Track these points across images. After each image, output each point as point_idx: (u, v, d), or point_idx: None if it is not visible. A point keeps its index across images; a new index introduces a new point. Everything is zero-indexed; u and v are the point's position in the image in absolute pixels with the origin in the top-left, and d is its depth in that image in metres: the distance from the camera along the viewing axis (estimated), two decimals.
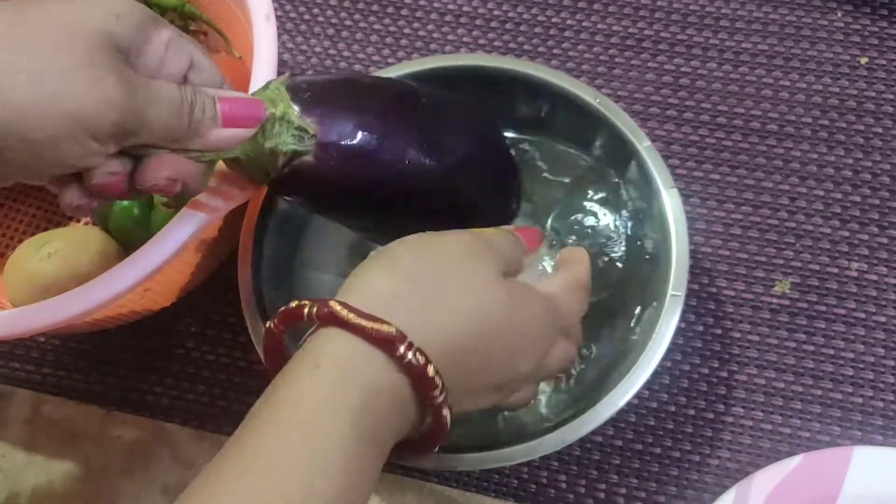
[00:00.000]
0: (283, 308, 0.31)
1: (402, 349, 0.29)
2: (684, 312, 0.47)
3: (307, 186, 0.36)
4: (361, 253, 0.49)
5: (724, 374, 0.46)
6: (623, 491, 0.45)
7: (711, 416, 0.46)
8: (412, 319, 0.30)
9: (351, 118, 0.35)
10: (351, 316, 0.29)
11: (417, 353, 0.29)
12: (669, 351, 0.46)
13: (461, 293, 0.31)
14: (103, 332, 0.50)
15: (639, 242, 0.46)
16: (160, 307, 0.48)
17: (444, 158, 0.37)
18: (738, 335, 0.47)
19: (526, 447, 0.39)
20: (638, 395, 0.46)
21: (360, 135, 0.35)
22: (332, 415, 0.28)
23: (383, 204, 0.37)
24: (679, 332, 0.47)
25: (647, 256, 0.44)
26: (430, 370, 0.29)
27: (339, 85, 0.37)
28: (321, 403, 0.28)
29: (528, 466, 0.45)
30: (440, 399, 0.30)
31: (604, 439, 0.46)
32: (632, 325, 0.43)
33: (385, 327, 0.29)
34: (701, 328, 0.48)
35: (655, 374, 0.46)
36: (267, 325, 0.32)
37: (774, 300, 0.48)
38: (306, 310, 0.30)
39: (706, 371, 0.47)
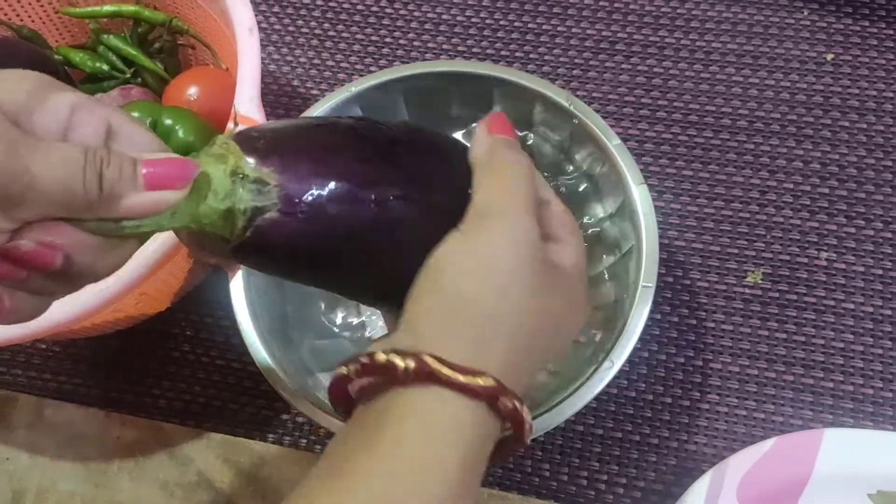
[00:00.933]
0: (365, 360, 0.29)
1: (503, 400, 0.29)
2: (659, 304, 0.50)
3: (275, 248, 0.30)
4: None
5: (699, 363, 0.48)
6: (604, 478, 0.46)
7: (687, 403, 0.47)
8: (501, 361, 0.30)
9: (317, 161, 0.30)
10: (450, 373, 0.28)
11: (515, 400, 0.29)
12: (645, 341, 0.48)
13: (527, 312, 0.31)
14: (102, 338, 0.52)
15: (609, 241, 0.48)
16: (156, 311, 0.50)
17: (427, 195, 0.32)
18: (712, 325, 0.49)
19: None
20: (616, 385, 0.48)
21: (330, 179, 0.30)
22: (440, 473, 0.28)
23: (363, 256, 0.32)
24: (654, 322, 0.49)
25: (619, 254, 0.46)
26: (525, 411, 0.30)
27: (297, 127, 0.32)
28: (428, 464, 0.28)
29: (514, 456, 0.47)
30: (527, 420, 0.31)
31: (584, 428, 0.48)
32: (607, 316, 0.45)
33: (483, 381, 0.29)
34: (676, 319, 0.49)
35: (632, 363, 0.49)
36: (341, 372, 0.30)
37: (747, 290, 0.50)
38: (401, 365, 0.28)
39: (682, 360, 0.48)
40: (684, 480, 0.45)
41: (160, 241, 0.42)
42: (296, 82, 0.59)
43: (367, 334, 0.49)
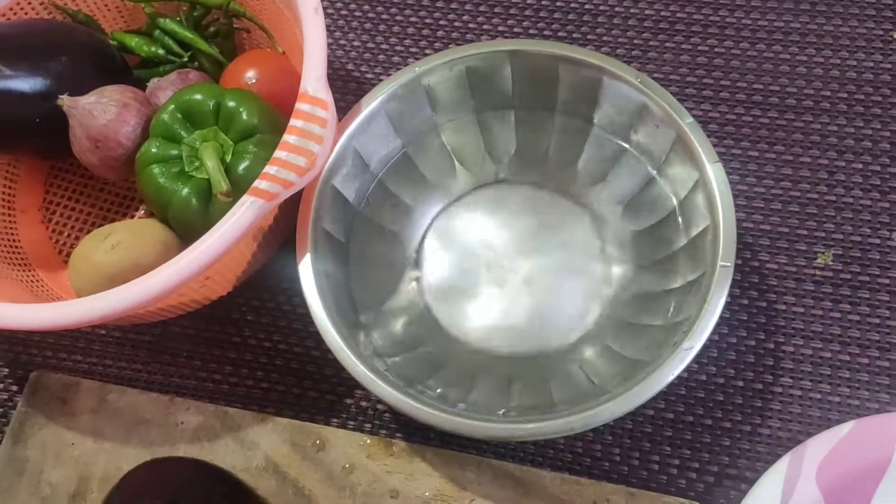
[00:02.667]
0: None
1: None
2: (729, 287, 0.49)
3: None
4: (408, 243, 0.51)
5: (771, 346, 0.47)
6: (676, 462, 0.46)
7: (760, 386, 0.47)
8: None
9: None
10: None
11: None
12: (717, 325, 0.48)
13: None
14: (162, 324, 0.52)
15: (681, 221, 0.47)
16: (218, 296, 0.50)
17: None
18: (782, 307, 0.48)
19: (582, 417, 0.40)
20: (687, 369, 0.47)
21: None
22: None
23: None
24: (725, 306, 0.48)
25: (693, 234, 0.45)
26: None
27: None
28: None
29: (582, 441, 0.47)
30: None
31: (655, 413, 0.47)
32: (680, 299, 0.44)
33: None
34: (746, 302, 0.48)
35: (704, 347, 0.48)
36: None
37: (817, 272, 0.49)
38: None
39: (753, 343, 0.48)
40: (758, 465, 0.45)
41: (226, 227, 0.42)
42: (350, 66, 0.58)
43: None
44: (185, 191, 0.46)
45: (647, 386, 0.40)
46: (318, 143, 0.44)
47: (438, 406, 0.41)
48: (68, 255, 0.54)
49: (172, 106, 0.48)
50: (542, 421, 0.40)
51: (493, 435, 0.40)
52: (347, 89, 0.57)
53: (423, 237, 0.51)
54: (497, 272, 0.49)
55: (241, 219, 0.42)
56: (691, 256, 0.45)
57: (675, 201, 0.47)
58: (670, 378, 0.40)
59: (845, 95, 0.52)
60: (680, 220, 0.46)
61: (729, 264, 0.41)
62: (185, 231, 0.48)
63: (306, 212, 0.46)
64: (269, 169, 0.43)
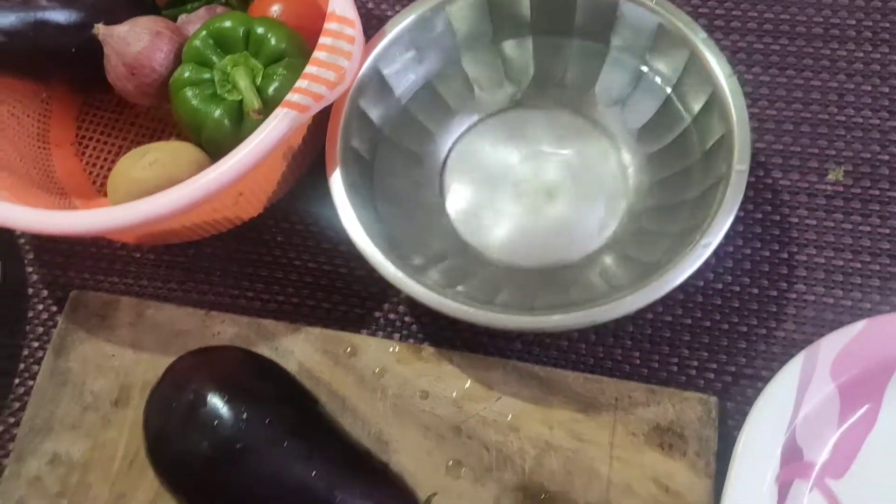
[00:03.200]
0: None
1: None
2: (742, 202, 0.50)
3: None
4: (431, 164, 0.52)
5: (785, 256, 0.49)
6: (695, 364, 0.47)
7: (775, 293, 0.48)
8: None
9: None
10: None
11: None
12: (730, 237, 0.49)
13: None
14: (195, 245, 0.54)
15: (697, 135, 0.48)
16: (249, 217, 0.52)
17: None
18: (795, 220, 0.50)
19: (605, 308, 0.42)
20: (703, 278, 0.49)
21: None
22: None
23: None
24: (738, 220, 0.50)
25: (709, 145, 0.47)
26: None
27: None
28: None
29: (603, 346, 0.48)
30: None
31: (673, 318, 0.49)
32: (697, 206, 0.46)
33: None
34: (760, 216, 0.50)
35: (718, 257, 0.50)
36: None
37: (829, 187, 0.50)
38: None
39: (767, 254, 0.49)
40: (774, 365, 0.46)
41: (261, 137, 0.43)
42: (370, 4, 0.60)
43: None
44: (218, 112, 0.48)
45: (668, 279, 0.41)
46: (346, 58, 0.46)
47: (469, 302, 0.43)
48: (102, 184, 0.56)
49: (204, 32, 0.50)
50: (567, 312, 0.42)
51: (522, 327, 0.42)
52: (369, 26, 0.59)
53: (446, 159, 0.53)
54: (517, 189, 0.51)
55: (274, 129, 0.44)
56: (707, 167, 0.46)
57: (689, 118, 0.48)
58: (690, 272, 0.41)
59: (854, 22, 0.54)
60: (695, 134, 0.48)
61: (744, 167, 0.43)
62: (218, 152, 0.50)
63: (335, 128, 0.48)
64: (301, 83, 0.45)
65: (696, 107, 0.48)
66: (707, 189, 0.45)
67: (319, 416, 0.42)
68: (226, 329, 0.50)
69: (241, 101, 0.48)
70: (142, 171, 0.47)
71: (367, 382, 0.47)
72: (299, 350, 0.49)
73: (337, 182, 0.46)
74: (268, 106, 0.47)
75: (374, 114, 0.50)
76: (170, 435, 0.40)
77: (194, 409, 0.40)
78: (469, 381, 0.47)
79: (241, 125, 0.49)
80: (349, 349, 0.48)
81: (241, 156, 0.43)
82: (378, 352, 0.48)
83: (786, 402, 0.44)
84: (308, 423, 0.41)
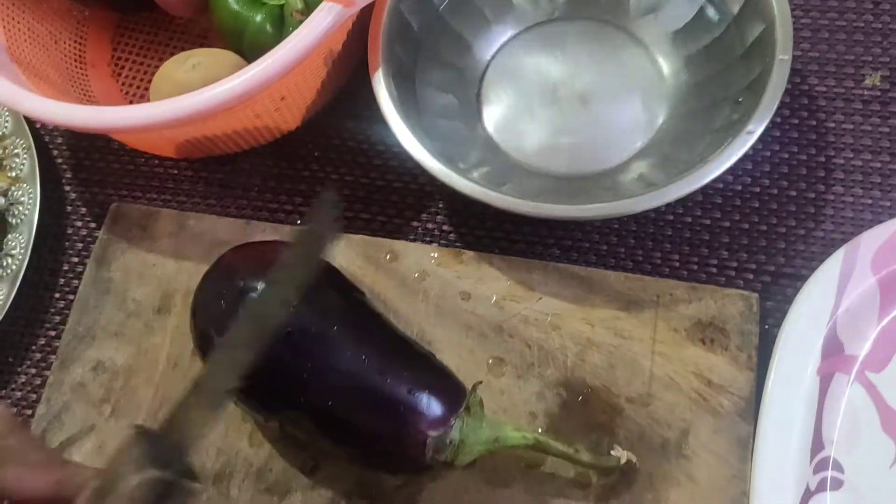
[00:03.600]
0: None
1: None
2: (778, 108, 0.50)
3: None
4: (469, 76, 0.53)
5: (822, 160, 0.49)
6: (734, 265, 0.48)
7: (813, 195, 0.49)
8: None
9: None
10: None
11: None
12: (766, 142, 0.50)
13: None
14: (232, 161, 0.54)
15: (736, 34, 0.48)
16: (288, 129, 0.52)
17: None
18: (832, 125, 0.50)
19: (649, 196, 0.42)
20: (740, 182, 0.49)
21: None
22: None
23: None
24: (775, 126, 0.51)
25: (749, 41, 0.47)
26: None
27: None
28: None
29: (643, 249, 0.49)
30: None
31: (712, 222, 0.49)
32: (738, 103, 0.46)
33: None
34: (796, 121, 0.50)
35: (755, 162, 0.50)
36: None
37: (866, 92, 0.51)
38: None
39: (804, 157, 0.50)
40: (813, 264, 0.46)
41: (298, 38, 0.43)
42: None
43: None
44: (260, 17, 0.49)
45: (713, 166, 0.42)
46: None
47: (513, 194, 0.43)
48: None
49: None
50: (612, 201, 0.42)
51: (569, 215, 0.43)
52: None
53: (484, 72, 0.53)
54: (555, 98, 0.51)
55: (319, 24, 0.44)
56: (747, 64, 0.46)
57: (728, 18, 0.48)
58: (734, 158, 0.42)
59: None
60: (734, 33, 0.48)
61: (787, 57, 0.43)
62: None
63: (376, 31, 0.48)
64: None
65: (735, 7, 0.48)
66: (749, 84, 0.45)
67: (366, 306, 0.43)
68: (266, 237, 0.50)
69: (282, 6, 0.48)
70: (185, 73, 0.47)
71: (409, 285, 0.48)
72: (341, 256, 0.49)
73: (380, 83, 0.46)
74: (310, 8, 0.47)
75: (415, 21, 0.50)
76: (220, 322, 0.40)
77: (244, 295, 0.40)
78: (510, 283, 0.47)
79: (282, 30, 0.49)
80: (390, 254, 0.49)
81: (284, 50, 0.43)
82: (419, 256, 0.49)
83: (826, 296, 0.44)
84: (356, 312, 0.42)
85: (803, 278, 0.46)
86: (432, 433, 0.38)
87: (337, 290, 0.43)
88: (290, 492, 0.44)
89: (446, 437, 0.39)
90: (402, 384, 0.39)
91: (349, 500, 0.44)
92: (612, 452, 0.42)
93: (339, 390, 0.39)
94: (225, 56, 0.49)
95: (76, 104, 0.44)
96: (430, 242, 0.50)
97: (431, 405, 0.39)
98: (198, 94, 0.42)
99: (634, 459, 0.42)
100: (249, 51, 0.49)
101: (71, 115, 0.43)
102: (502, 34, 0.53)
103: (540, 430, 0.43)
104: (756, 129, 0.42)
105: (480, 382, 0.41)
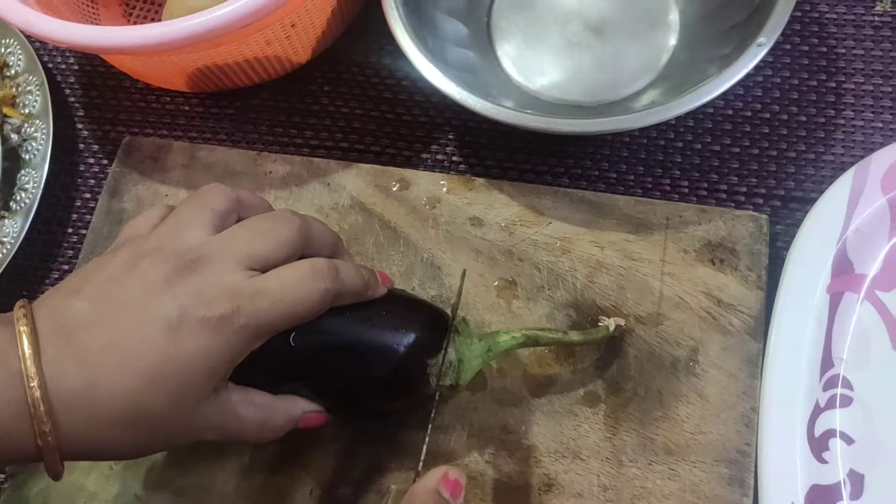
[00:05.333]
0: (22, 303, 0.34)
1: (41, 419, 0.32)
2: (788, 35, 0.51)
3: None
4: (479, 3, 0.53)
5: (832, 85, 0.49)
6: (744, 189, 0.48)
7: (823, 120, 0.49)
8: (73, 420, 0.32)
9: None
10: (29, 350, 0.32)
11: (50, 437, 0.32)
12: (776, 69, 0.50)
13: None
14: (242, 97, 0.54)
15: None
16: (298, 62, 0.52)
17: None
18: (842, 51, 0.50)
19: (659, 109, 0.42)
20: (750, 108, 0.49)
21: None
22: None
23: None
24: (785, 52, 0.50)
25: None
26: (51, 453, 0.32)
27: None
28: None
29: (652, 177, 0.49)
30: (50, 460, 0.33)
31: (721, 148, 0.49)
32: (747, 26, 0.46)
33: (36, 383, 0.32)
34: (806, 48, 0.50)
35: (765, 89, 0.50)
36: None
37: (876, 18, 0.50)
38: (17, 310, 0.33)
39: (815, 83, 0.49)
40: (823, 187, 0.46)
41: None
42: None
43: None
44: None
45: (724, 78, 0.42)
46: None
47: (521, 110, 0.43)
48: None
49: None
50: (622, 114, 0.42)
51: (578, 129, 0.43)
52: None
53: (491, 5, 0.53)
54: (565, 28, 0.51)
55: None
56: None
57: None
58: (744, 72, 0.41)
59: None
60: None
61: None
62: None
63: None
64: None
65: None
66: (759, 5, 0.45)
67: None
68: (277, 168, 0.50)
69: None
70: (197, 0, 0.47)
71: (419, 212, 0.48)
72: (351, 184, 0.49)
73: (391, 7, 0.46)
74: None
75: None
76: None
77: None
78: (520, 208, 0.47)
79: None
80: (400, 183, 0.49)
81: None
82: (429, 184, 0.49)
83: (837, 215, 0.44)
84: None
85: (813, 202, 0.46)
86: (430, 361, 0.38)
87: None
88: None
89: (445, 360, 0.39)
90: (390, 326, 0.39)
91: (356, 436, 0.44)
92: (600, 323, 0.42)
93: (331, 350, 0.38)
94: None
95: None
96: (441, 172, 0.51)
97: (423, 336, 0.39)
98: (207, 13, 0.42)
99: (623, 322, 0.43)
100: None
101: (83, 34, 0.43)
102: None
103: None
104: (767, 41, 0.42)
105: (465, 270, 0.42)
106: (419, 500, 0.34)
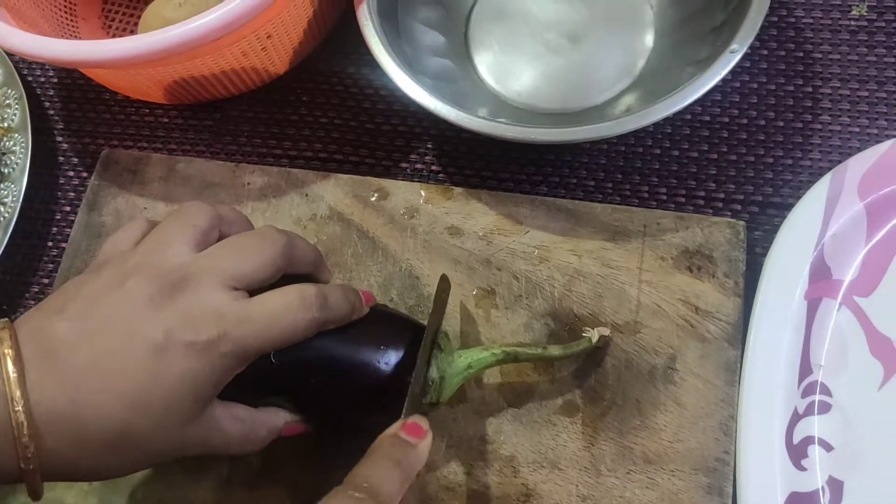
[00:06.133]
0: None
1: (24, 441, 0.32)
2: (765, 41, 0.51)
3: None
4: (456, 12, 0.53)
5: (809, 90, 0.49)
6: (721, 196, 0.48)
7: (800, 125, 0.49)
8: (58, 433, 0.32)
9: None
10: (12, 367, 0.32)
11: (30, 456, 0.32)
12: (753, 74, 0.49)
13: None
14: (221, 108, 0.54)
15: None
16: (276, 73, 0.52)
17: None
18: (819, 56, 0.50)
19: (636, 116, 0.42)
20: (727, 114, 0.49)
21: None
22: None
23: None
24: (762, 58, 0.50)
25: None
26: (32, 475, 0.32)
27: None
28: None
29: (630, 184, 0.49)
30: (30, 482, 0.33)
31: (699, 154, 0.49)
32: (721, 33, 0.46)
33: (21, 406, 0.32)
34: (783, 53, 0.50)
35: (742, 94, 0.50)
36: None
37: (852, 22, 0.50)
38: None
39: (791, 88, 0.49)
40: (801, 193, 0.46)
41: None
42: None
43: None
44: None
45: (697, 85, 0.42)
46: None
47: (498, 120, 0.43)
48: None
49: None
50: (598, 122, 0.42)
51: (552, 139, 0.43)
52: None
53: (471, 9, 0.53)
54: (544, 35, 0.51)
55: None
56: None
57: None
58: (718, 78, 0.41)
59: None
60: None
61: None
62: None
63: None
64: None
65: None
66: (733, 10, 0.45)
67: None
68: (255, 179, 0.50)
69: None
70: (173, 10, 0.47)
71: (397, 222, 0.48)
72: (329, 195, 0.49)
73: (366, 18, 0.46)
74: None
75: None
76: None
77: None
78: (497, 217, 0.47)
79: None
80: (378, 193, 0.49)
81: None
82: (407, 193, 0.49)
83: (814, 221, 0.44)
84: None
85: (791, 207, 0.46)
86: (409, 378, 0.38)
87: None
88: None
89: (426, 379, 0.39)
90: (370, 342, 0.39)
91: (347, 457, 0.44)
92: (584, 333, 0.42)
93: (311, 366, 0.38)
94: None
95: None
96: (420, 182, 0.51)
97: (402, 352, 0.39)
98: (181, 26, 0.42)
99: (607, 332, 0.43)
100: None
101: (57, 49, 0.43)
102: None
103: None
104: (740, 47, 0.42)
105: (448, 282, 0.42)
106: (381, 446, 0.35)
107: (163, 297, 0.34)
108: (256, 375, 0.36)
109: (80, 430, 0.32)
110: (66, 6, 0.57)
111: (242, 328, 0.34)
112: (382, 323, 0.40)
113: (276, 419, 0.38)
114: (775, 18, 0.51)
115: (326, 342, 0.38)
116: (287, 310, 0.35)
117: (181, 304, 0.34)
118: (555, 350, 0.41)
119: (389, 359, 0.38)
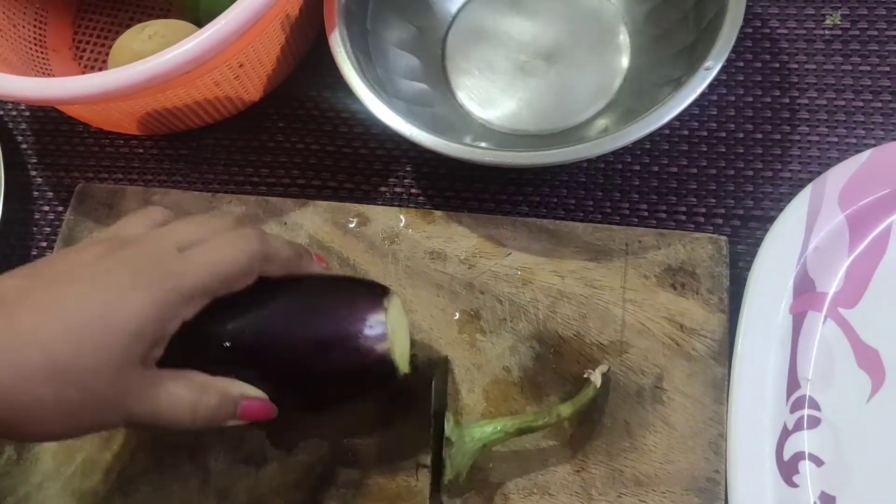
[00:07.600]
0: None
1: None
2: (741, 53, 0.51)
3: None
4: (431, 35, 0.52)
5: (786, 101, 0.49)
6: (703, 210, 0.48)
7: (779, 136, 0.48)
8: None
9: None
10: None
11: None
12: (730, 87, 0.49)
13: None
14: (197, 137, 0.54)
15: None
16: (250, 100, 0.52)
17: None
18: (795, 66, 0.50)
19: (612, 137, 0.42)
20: (706, 128, 0.49)
21: None
22: None
23: None
24: (738, 70, 0.50)
25: None
26: None
27: None
28: None
29: (611, 202, 0.48)
30: None
31: (679, 169, 0.49)
32: (695, 50, 0.46)
33: None
34: (759, 65, 0.50)
35: (720, 107, 0.50)
36: None
37: (827, 32, 0.50)
38: None
39: (768, 100, 0.49)
40: (782, 205, 0.46)
41: (251, 0, 0.43)
42: None
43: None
44: None
45: (673, 104, 0.41)
46: None
47: (475, 145, 0.43)
48: None
49: None
50: (576, 144, 0.42)
51: (533, 162, 0.42)
52: None
53: (447, 31, 0.53)
54: (519, 57, 0.51)
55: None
56: (703, 9, 0.46)
57: None
58: (693, 96, 0.41)
59: None
60: None
61: None
62: None
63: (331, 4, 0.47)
64: None
65: None
66: (706, 27, 0.45)
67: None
68: (233, 209, 0.50)
69: None
70: (142, 43, 0.47)
71: (378, 248, 0.47)
72: (308, 223, 0.49)
73: (338, 43, 0.46)
74: None
75: None
76: None
77: None
78: (479, 240, 0.47)
79: None
80: (358, 219, 0.48)
81: (237, 12, 0.42)
82: (387, 218, 0.48)
83: (795, 234, 0.44)
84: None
85: (773, 220, 0.45)
86: (379, 347, 0.37)
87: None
88: (267, 461, 0.44)
89: (443, 479, 0.39)
90: (317, 305, 0.38)
91: (324, 464, 0.43)
92: (585, 377, 0.42)
93: (265, 338, 0.37)
94: (181, 26, 0.49)
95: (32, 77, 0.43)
96: (399, 206, 0.50)
97: (355, 311, 0.37)
98: (151, 60, 0.42)
99: (607, 369, 0.42)
100: (206, 19, 0.49)
101: (26, 87, 0.42)
102: None
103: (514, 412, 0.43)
104: (714, 64, 0.42)
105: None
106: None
107: (110, 251, 0.35)
108: (213, 359, 0.36)
109: (14, 354, 0.32)
110: (35, 38, 0.56)
111: (184, 264, 0.35)
112: (331, 286, 0.39)
113: (230, 386, 0.37)
114: (750, 30, 0.51)
115: (278, 312, 0.37)
116: (228, 243, 0.36)
117: (127, 254, 0.35)
118: (565, 410, 0.41)
119: (347, 316, 0.37)
